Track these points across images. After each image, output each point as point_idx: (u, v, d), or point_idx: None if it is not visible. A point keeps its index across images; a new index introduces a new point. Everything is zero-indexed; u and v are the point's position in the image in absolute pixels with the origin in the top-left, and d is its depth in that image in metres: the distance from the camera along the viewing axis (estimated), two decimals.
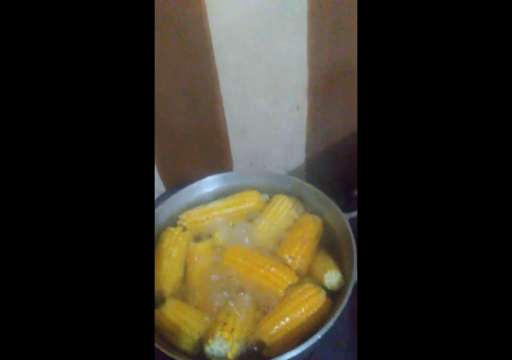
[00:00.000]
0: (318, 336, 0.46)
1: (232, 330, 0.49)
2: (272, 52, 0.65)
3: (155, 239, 0.64)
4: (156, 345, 0.47)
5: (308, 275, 0.59)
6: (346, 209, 0.62)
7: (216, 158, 0.85)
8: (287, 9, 0.60)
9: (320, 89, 0.70)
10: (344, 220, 0.59)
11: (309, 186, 0.67)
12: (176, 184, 0.91)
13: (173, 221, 0.67)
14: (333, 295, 0.55)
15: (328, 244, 0.62)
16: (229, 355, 0.47)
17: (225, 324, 0.50)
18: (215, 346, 0.48)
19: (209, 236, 0.65)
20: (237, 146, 0.83)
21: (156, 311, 0.52)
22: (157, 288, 0.56)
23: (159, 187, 0.91)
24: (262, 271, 0.56)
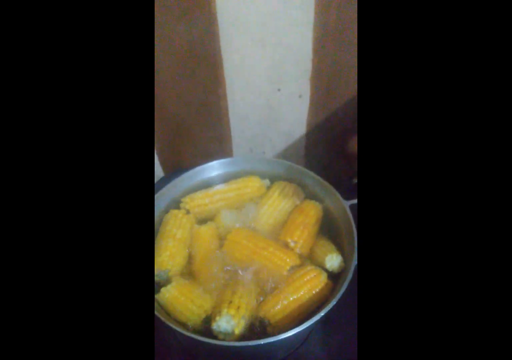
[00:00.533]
0: (321, 313, 0.48)
1: (238, 307, 0.51)
2: (278, 39, 0.66)
3: (158, 222, 0.65)
4: (165, 321, 0.49)
5: (309, 259, 0.61)
6: (345, 197, 0.64)
7: (216, 144, 0.86)
8: None
9: (324, 78, 0.71)
10: (344, 206, 0.62)
11: (310, 172, 0.69)
12: (175, 169, 0.91)
13: (175, 205, 0.68)
14: (334, 278, 0.57)
15: (328, 230, 0.65)
16: (236, 331, 0.49)
17: (231, 302, 0.52)
18: (222, 323, 0.50)
19: (212, 219, 0.67)
20: (238, 133, 0.84)
21: (163, 290, 0.54)
22: (163, 267, 0.57)
23: (158, 171, 0.92)
24: (265, 253, 0.58)
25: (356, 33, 0.63)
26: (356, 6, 0.60)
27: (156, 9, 0.60)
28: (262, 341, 0.46)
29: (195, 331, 0.52)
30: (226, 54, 0.68)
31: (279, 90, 0.74)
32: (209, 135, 0.84)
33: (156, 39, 0.64)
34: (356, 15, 0.61)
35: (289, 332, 0.47)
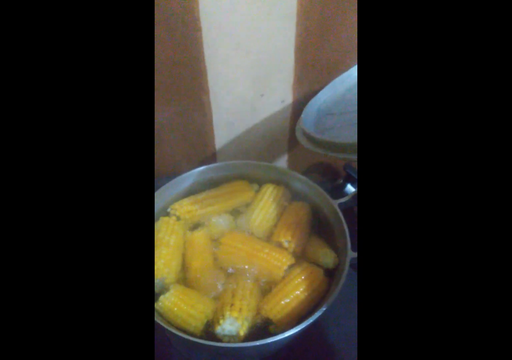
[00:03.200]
0: (323, 308, 0.50)
1: (240, 309, 0.51)
2: (261, 47, 0.68)
3: None
4: (168, 328, 0.48)
5: (302, 257, 0.62)
6: (331, 197, 0.66)
7: (199, 151, 0.86)
8: (277, 8, 0.63)
9: (305, 84, 0.74)
10: (333, 204, 0.64)
11: (297, 174, 0.71)
12: (156, 177, 0.90)
13: (164, 213, 0.67)
14: (329, 273, 0.59)
15: (319, 228, 0.66)
16: (241, 333, 0.49)
17: (232, 305, 0.52)
18: (226, 326, 0.49)
19: (203, 225, 0.66)
20: (222, 139, 0.84)
21: (162, 298, 0.53)
22: (159, 275, 0.56)
23: None
24: (261, 254, 0.58)
25: (336, 43, 0.67)
26: (335, 18, 0.63)
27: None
28: (269, 340, 0.46)
29: (197, 336, 0.51)
30: (209, 61, 0.69)
31: (262, 95, 0.76)
32: (192, 142, 0.84)
33: None
34: (336, 26, 0.64)
35: (293, 329, 0.47)
